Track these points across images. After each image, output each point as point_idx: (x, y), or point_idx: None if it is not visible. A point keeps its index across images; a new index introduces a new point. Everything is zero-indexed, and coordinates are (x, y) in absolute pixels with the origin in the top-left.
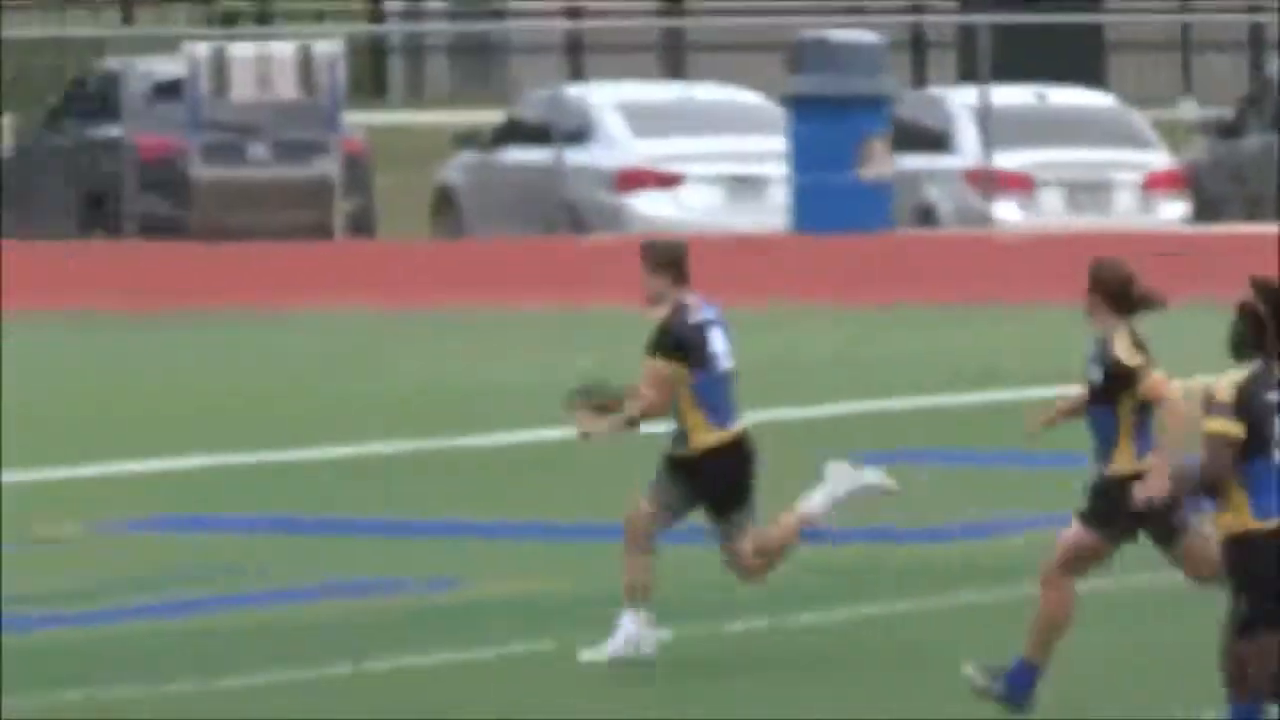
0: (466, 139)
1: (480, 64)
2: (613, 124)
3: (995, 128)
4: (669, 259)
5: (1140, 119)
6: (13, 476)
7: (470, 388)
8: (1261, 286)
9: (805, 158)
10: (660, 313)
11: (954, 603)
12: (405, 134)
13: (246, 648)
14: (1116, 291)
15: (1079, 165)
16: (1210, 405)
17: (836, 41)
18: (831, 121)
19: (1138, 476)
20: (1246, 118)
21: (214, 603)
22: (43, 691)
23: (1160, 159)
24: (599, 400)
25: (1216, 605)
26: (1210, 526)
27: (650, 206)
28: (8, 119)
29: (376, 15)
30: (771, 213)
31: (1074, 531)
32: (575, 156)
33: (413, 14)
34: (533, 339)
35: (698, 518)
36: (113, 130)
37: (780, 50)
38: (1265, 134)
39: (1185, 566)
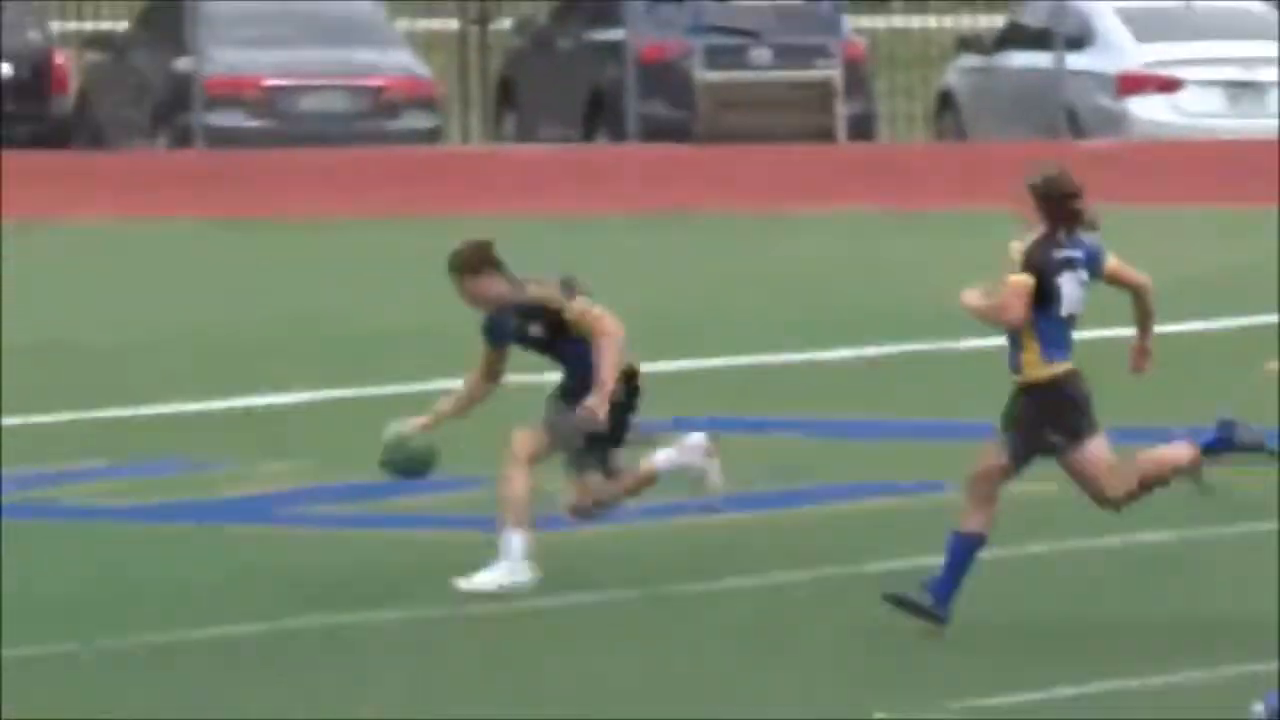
0: (968, 43)
1: None
2: (1114, 29)
3: None
4: (487, 258)
5: None
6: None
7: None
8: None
9: None
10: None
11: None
12: (905, 38)
13: (772, 547)
14: (1052, 201)
15: None
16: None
17: None
18: None
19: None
20: None
21: (759, 501)
22: (604, 588)
23: None
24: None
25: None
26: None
27: (1150, 111)
28: (509, 23)
29: None
30: (1271, 118)
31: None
32: (1076, 61)
33: None
34: None
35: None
36: (614, 33)
37: None
38: None
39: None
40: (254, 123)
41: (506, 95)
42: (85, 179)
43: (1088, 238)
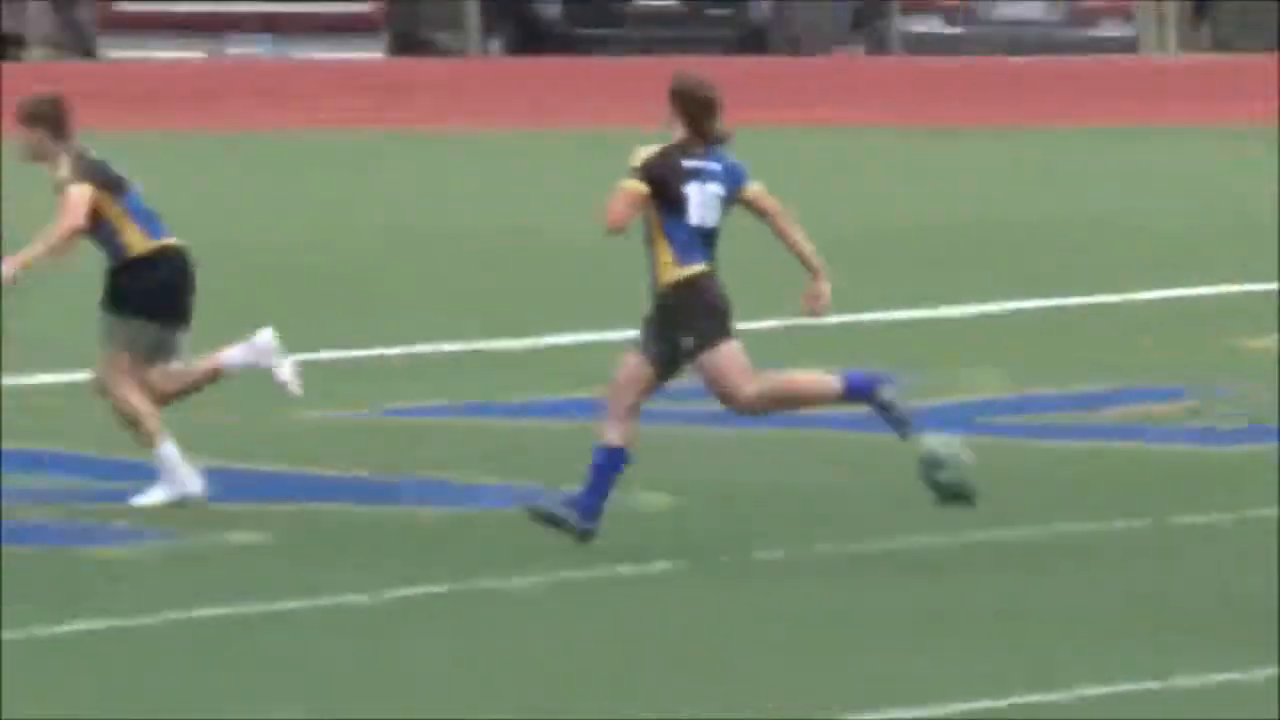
0: None
1: None
2: None
3: None
4: (41, 113)
5: None
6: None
7: None
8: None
9: None
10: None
11: None
12: None
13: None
14: (697, 108)
15: None
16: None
17: None
18: None
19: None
20: None
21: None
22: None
23: None
24: None
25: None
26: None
27: None
28: None
29: None
30: None
31: None
32: None
33: None
34: None
35: None
36: None
37: None
38: None
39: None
40: (951, 29)
41: (1202, 4)
42: (782, 85)
43: (729, 155)
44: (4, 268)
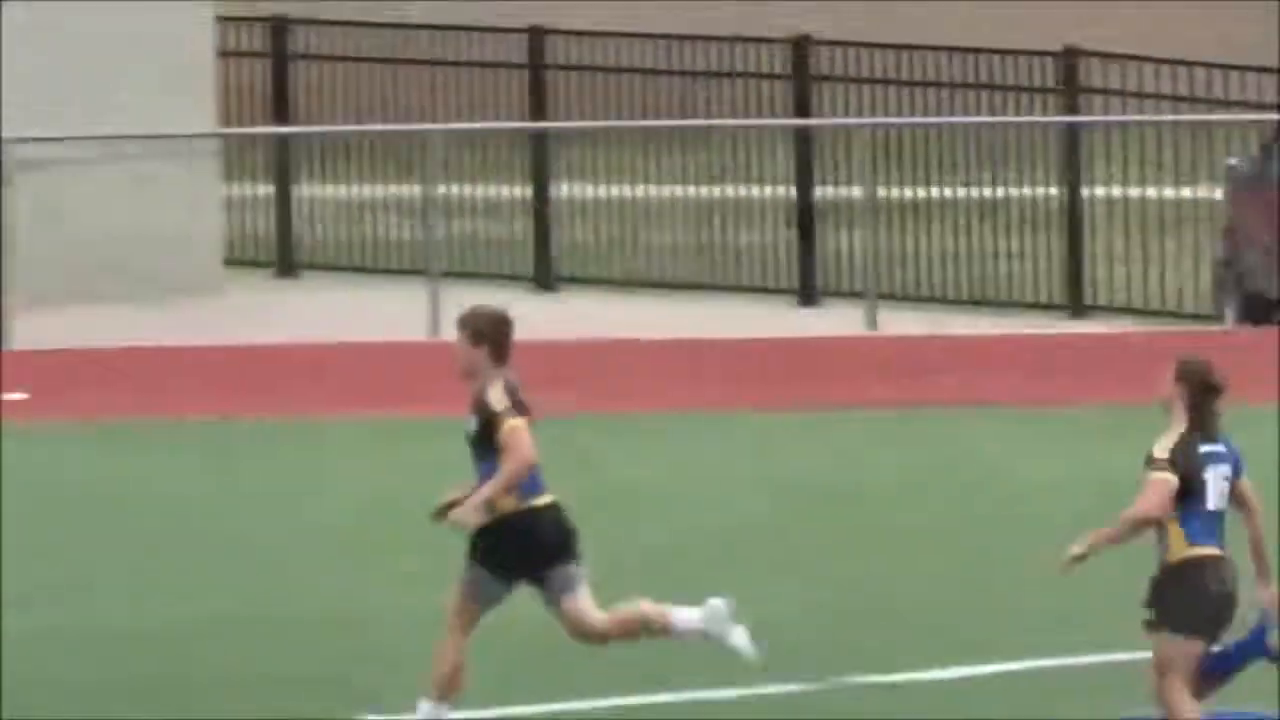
0: None
1: None
2: None
3: None
4: (485, 332)
5: None
6: None
7: None
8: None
9: None
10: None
11: None
12: None
13: None
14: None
15: None
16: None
17: None
18: None
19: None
20: None
21: None
22: None
23: None
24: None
25: None
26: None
27: None
28: None
29: None
30: None
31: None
32: None
33: None
34: None
35: None
36: None
37: None
38: None
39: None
40: None
41: None
42: None
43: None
44: (464, 514)
